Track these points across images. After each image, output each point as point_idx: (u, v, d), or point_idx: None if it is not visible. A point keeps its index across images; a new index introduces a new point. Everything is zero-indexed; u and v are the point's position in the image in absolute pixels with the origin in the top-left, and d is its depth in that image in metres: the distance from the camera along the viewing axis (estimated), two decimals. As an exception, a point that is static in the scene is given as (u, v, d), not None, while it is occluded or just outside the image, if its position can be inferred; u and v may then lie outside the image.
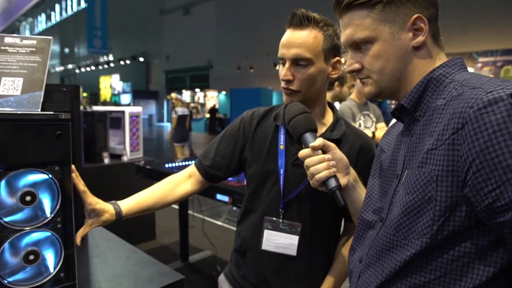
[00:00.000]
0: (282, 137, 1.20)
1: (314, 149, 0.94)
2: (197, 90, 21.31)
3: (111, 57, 25.88)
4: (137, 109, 3.72)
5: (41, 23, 34.11)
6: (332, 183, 0.91)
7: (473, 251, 0.71)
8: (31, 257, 0.80)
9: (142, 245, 3.65)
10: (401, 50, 0.82)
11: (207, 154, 1.30)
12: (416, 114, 0.83)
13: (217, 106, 19.78)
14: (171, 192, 1.25)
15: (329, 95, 3.05)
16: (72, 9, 28.85)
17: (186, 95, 21.69)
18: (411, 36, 0.81)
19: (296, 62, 1.11)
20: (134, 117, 3.62)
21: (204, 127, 20.03)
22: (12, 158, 0.77)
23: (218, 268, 3.23)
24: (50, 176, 0.82)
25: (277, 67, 15.73)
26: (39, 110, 0.83)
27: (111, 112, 3.71)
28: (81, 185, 1.01)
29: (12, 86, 0.83)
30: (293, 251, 1.17)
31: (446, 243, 0.72)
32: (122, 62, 24.81)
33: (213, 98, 20.47)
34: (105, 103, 25.13)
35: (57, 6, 30.84)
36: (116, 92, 26.93)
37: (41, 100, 0.83)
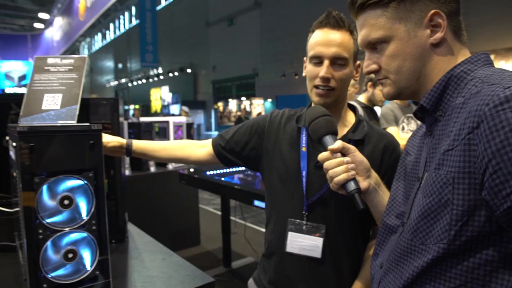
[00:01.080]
0: (304, 139, 1.22)
1: (333, 151, 0.94)
2: (243, 98, 21.62)
3: (160, 70, 27.01)
4: (181, 119, 3.87)
5: (98, 42, 36.41)
6: (351, 186, 0.91)
7: (496, 259, 0.67)
8: (70, 255, 0.89)
9: (186, 251, 3.77)
10: (418, 48, 0.80)
11: (224, 135, 1.37)
12: (436, 114, 0.81)
13: (263, 114, 19.93)
14: (181, 149, 1.37)
15: (365, 97, 2.99)
16: (124, 27, 30.54)
17: (232, 103, 22.07)
18: (429, 33, 0.79)
19: (335, 61, 1.14)
20: (177, 126, 3.77)
21: (250, 135, 20.18)
22: (52, 166, 0.86)
23: (260, 274, 3.25)
24: (85, 182, 0.90)
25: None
26: (75, 121, 0.91)
27: (156, 122, 3.89)
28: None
29: (53, 102, 0.92)
30: (317, 253, 1.17)
31: (466, 249, 0.69)
32: (170, 74, 25.81)
33: (259, 106, 20.66)
34: (156, 114, 26.24)
35: (111, 25, 32.80)
36: (165, 103, 27.99)
37: (77, 112, 0.92)
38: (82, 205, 0.90)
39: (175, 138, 3.78)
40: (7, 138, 1.22)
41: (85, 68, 0.96)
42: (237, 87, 23.56)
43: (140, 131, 3.51)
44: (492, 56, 0.83)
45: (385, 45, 0.83)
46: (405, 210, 0.87)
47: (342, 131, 1.20)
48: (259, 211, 5.57)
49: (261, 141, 1.31)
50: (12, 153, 1.06)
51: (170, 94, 27.75)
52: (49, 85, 0.94)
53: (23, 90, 26.28)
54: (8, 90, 26.32)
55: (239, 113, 20.59)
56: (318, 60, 1.15)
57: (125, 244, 1.50)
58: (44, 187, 0.85)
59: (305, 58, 1.26)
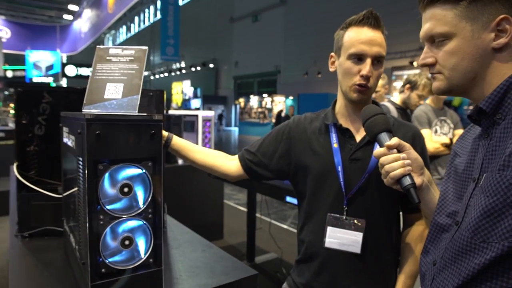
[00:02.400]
0: (334, 136, 1.24)
1: (390, 148, 0.97)
2: (265, 95, 21.62)
3: (183, 64, 27.28)
4: (210, 113, 3.90)
5: (122, 34, 36.97)
6: (407, 181, 0.93)
7: None
8: (127, 242, 0.90)
9: (211, 244, 3.81)
10: (479, 49, 0.81)
11: (250, 149, 1.37)
12: (495, 117, 0.82)
13: (284, 112, 19.88)
14: (215, 157, 1.36)
15: (400, 98, 2.96)
16: (149, 20, 30.91)
17: (253, 100, 22.10)
18: (493, 36, 0.80)
19: (377, 59, 1.17)
20: (207, 121, 3.80)
21: (271, 132, 20.21)
22: (113, 154, 0.88)
23: (283, 270, 3.26)
24: (144, 170, 0.91)
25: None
26: (136, 111, 0.93)
27: (185, 116, 3.93)
28: None
29: (115, 91, 0.94)
30: (357, 249, 1.18)
31: None
32: (193, 69, 26.05)
33: (280, 103, 20.63)
34: (176, 107, 26.53)
35: (136, 19, 33.23)
36: (187, 97, 28.26)
37: (138, 102, 0.94)
38: (140, 193, 0.92)
39: (203, 132, 3.82)
40: (60, 125, 1.25)
41: (145, 59, 0.98)
42: (258, 84, 23.59)
43: (170, 123, 3.56)
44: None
45: (446, 41, 0.84)
46: (456, 210, 0.89)
47: None
48: (280, 207, 5.58)
49: (289, 146, 1.31)
50: (68, 140, 1.09)
51: (192, 88, 28.01)
52: (111, 75, 0.96)
53: (50, 80, 26.92)
54: (36, 80, 27.00)
55: (270, 111, 20.49)
56: (358, 57, 1.17)
57: (164, 234, 1.52)
58: (106, 175, 0.87)
59: (333, 54, 1.27)
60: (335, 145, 1.23)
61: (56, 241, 1.39)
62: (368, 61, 1.16)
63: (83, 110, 0.92)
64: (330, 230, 1.21)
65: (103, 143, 0.85)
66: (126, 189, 0.89)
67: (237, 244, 4.04)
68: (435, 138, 2.92)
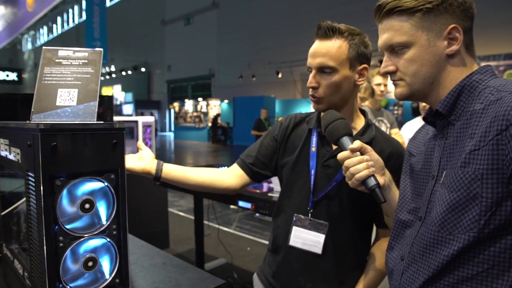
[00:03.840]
0: (314, 140, 1.28)
1: (353, 151, 1.00)
2: (200, 99, 21.38)
3: (113, 68, 26.00)
4: (150, 118, 3.75)
5: (43, 35, 34.33)
6: (372, 181, 0.97)
7: None
8: (90, 263, 0.82)
9: (157, 254, 3.65)
10: (435, 56, 0.87)
11: (249, 153, 1.38)
12: (450, 118, 0.88)
13: (220, 116, 19.79)
14: (211, 174, 1.33)
15: None
16: (73, 21, 29.06)
17: (188, 104, 21.74)
18: (446, 44, 0.86)
19: (322, 70, 1.18)
20: (147, 126, 3.65)
21: (207, 136, 20.08)
22: (71, 167, 0.79)
23: (235, 275, 3.23)
24: (106, 184, 0.84)
25: (279, 75, 15.83)
26: (95, 119, 0.85)
27: (123, 122, 3.74)
28: None
29: (68, 97, 0.85)
30: (318, 249, 1.22)
31: (493, 236, 0.76)
32: (123, 73, 24.95)
33: (215, 107, 20.53)
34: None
35: (58, 19, 31.06)
36: (118, 102, 27.00)
37: (96, 110, 0.86)
38: (102, 209, 0.84)
39: (144, 139, 3.65)
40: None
41: (101, 62, 0.90)
42: (192, 88, 23.27)
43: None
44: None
45: (405, 49, 0.89)
46: (417, 206, 0.94)
47: None
48: (224, 211, 5.53)
49: (280, 145, 1.36)
50: (9, 154, 0.97)
51: (123, 93, 26.82)
52: (62, 79, 0.86)
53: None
54: None
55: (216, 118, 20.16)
56: (310, 70, 1.21)
57: (119, 249, 1.42)
58: (64, 191, 0.78)
59: None
60: (313, 149, 1.27)
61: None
62: (313, 72, 1.19)
63: (32, 120, 0.82)
64: (295, 229, 1.26)
65: (60, 156, 0.76)
66: (87, 206, 0.81)
67: (184, 252, 3.92)
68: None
